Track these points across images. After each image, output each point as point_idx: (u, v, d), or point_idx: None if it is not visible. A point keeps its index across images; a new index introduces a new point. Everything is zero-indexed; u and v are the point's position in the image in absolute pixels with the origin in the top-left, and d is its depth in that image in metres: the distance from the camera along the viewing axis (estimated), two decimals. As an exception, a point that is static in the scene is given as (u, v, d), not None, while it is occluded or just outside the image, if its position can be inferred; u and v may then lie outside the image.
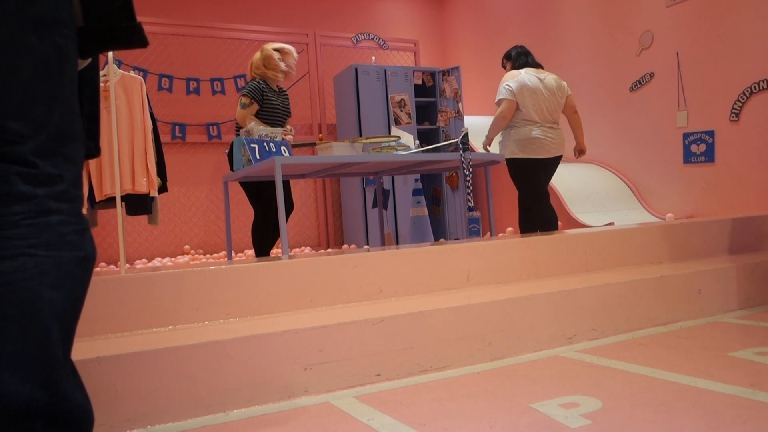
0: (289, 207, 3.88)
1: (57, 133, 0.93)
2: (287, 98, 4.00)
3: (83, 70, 1.12)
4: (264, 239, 3.89)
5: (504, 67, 4.13)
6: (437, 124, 6.20)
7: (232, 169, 3.86)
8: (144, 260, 5.45)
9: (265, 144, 3.17)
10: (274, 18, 6.53)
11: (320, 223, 6.49)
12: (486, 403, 1.51)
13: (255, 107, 3.70)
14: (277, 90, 3.91)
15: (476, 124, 6.20)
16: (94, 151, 1.18)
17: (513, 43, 6.74)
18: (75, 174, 0.96)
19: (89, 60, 1.11)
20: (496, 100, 3.88)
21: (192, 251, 5.82)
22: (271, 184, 3.68)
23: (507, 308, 2.01)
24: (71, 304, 0.94)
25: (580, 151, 4.07)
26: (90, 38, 1.03)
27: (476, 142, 5.85)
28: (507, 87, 3.81)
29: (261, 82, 3.77)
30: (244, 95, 3.72)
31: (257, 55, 3.88)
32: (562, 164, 5.68)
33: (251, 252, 5.76)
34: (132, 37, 1.06)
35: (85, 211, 3.65)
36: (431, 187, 6.25)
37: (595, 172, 5.49)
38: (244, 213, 5.83)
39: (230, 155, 3.85)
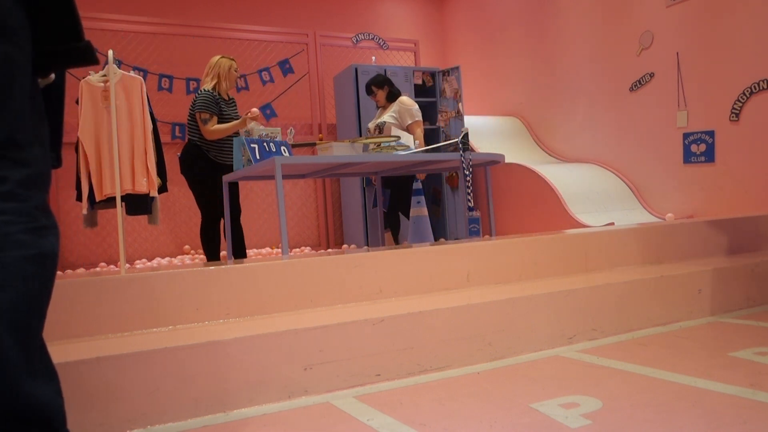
0: (236, 211, 3.94)
1: (3, 138, 0.95)
2: (236, 106, 4.11)
3: (50, 87, 1.14)
4: (211, 241, 3.97)
5: (373, 92, 4.36)
6: (437, 124, 6.20)
7: (183, 173, 3.95)
8: (144, 260, 5.45)
9: (265, 144, 3.17)
10: (274, 18, 6.53)
11: (320, 223, 6.49)
12: (486, 403, 1.51)
13: (215, 119, 3.82)
14: (227, 99, 4.00)
15: (476, 124, 6.20)
16: (56, 162, 1.20)
17: (513, 42, 6.77)
18: (26, 175, 0.98)
19: (52, 77, 1.14)
20: (414, 120, 4.19)
21: (192, 251, 5.82)
22: (216, 185, 3.80)
23: (507, 308, 2.01)
24: (23, 303, 0.94)
25: None
26: (42, 59, 1.06)
27: (476, 143, 5.86)
28: (417, 109, 4.22)
29: (213, 91, 3.88)
30: (200, 110, 3.81)
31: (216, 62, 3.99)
32: (562, 164, 5.69)
33: (251, 252, 5.76)
34: (84, 55, 1.09)
35: (85, 211, 3.66)
36: (431, 187, 6.25)
37: (595, 172, 5.49)
38: (244, 213, 5.83)
39: (182, 159, 3.95)
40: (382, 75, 4.42)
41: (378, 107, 4.42)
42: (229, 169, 3.81)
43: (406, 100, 4.25)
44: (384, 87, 4.30)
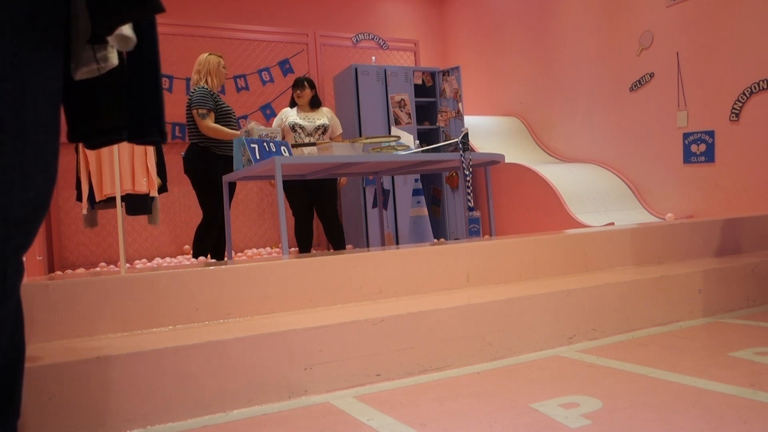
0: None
1: None
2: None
3: (137, 50, 1.00)
4: (206, 242, 4.02)
5: (303, 87, 4.33)
6: (437, 124, 6.20)
7: (187, 172, 3.99)
8: (144, 260, 5.45)
9: (265, 144, 3.17)
10: (274, 18, 6.53)
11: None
12: (486, 403, 1.51)
13: (212, 115, 3.89)
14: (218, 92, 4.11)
15: (476, 124, 6.20)
16: (159, 136, 1.09)
17: (513, 42, 6.77)
18: None
19: (134, 39, 0.97)
20: (340, 133, 4.45)
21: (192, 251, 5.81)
22: (217, 187, 3.85)
23: (507, 308, 2.00)
24: None
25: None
26: (96, 14, 0.91)
27: (476, 143, 5.86)
28: None
29: (205, 88, 3.95)
30: (197, 106, 3.86)
31: (206, 60, 4.05)
32: (562, 164, 5.69)
33: (252, 252, 5.76)
34: (144, 2, 0.91)
35: (85, 211, 3.66)
36: (431, 187, 6.25)
37: (595, 172, 5.49)
38: (244, 213, 5.83)
39: (187, 158, 3.98)
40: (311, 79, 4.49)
41: (294, 105, 4.40)
42: (232, 160, 3.85)
43: (332, 112, 4.49)
44: (314, 90, 4.38)
